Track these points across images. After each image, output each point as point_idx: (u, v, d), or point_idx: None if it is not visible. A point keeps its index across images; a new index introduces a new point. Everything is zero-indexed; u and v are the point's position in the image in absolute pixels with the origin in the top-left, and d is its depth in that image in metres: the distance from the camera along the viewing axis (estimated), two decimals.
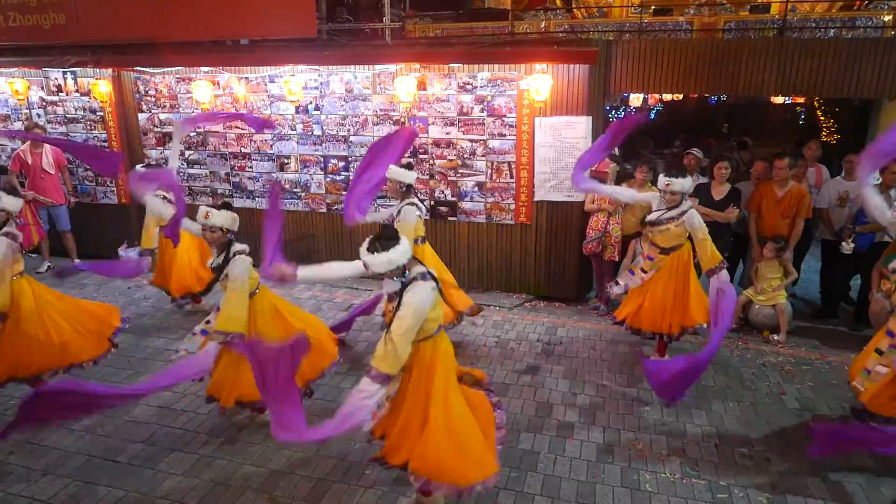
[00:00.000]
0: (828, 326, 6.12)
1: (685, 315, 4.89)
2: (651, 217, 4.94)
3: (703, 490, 3.68)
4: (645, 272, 5.04)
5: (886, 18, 6.54)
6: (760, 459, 3.97)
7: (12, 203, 4.38)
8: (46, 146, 7.43)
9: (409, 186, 5.04)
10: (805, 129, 11.22)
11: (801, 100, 10.72)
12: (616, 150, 6.70)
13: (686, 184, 4.69)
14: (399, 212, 4.96)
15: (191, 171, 7.72)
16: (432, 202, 6.94)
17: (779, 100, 10.10)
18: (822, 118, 10.59)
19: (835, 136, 10.13)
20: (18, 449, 4.08)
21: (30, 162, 7.28)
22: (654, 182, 6.55)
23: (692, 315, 4.86)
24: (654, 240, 5.03)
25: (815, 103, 10.56)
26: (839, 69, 5.63)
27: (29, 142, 7.33)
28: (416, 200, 5.07)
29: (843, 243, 5.67)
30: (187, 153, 7.62)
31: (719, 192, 5.87)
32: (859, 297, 6.01)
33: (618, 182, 6.03)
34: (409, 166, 5.06)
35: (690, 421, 4.41)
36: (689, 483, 3.74)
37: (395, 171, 4.84)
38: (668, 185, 4.67)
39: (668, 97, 10.68)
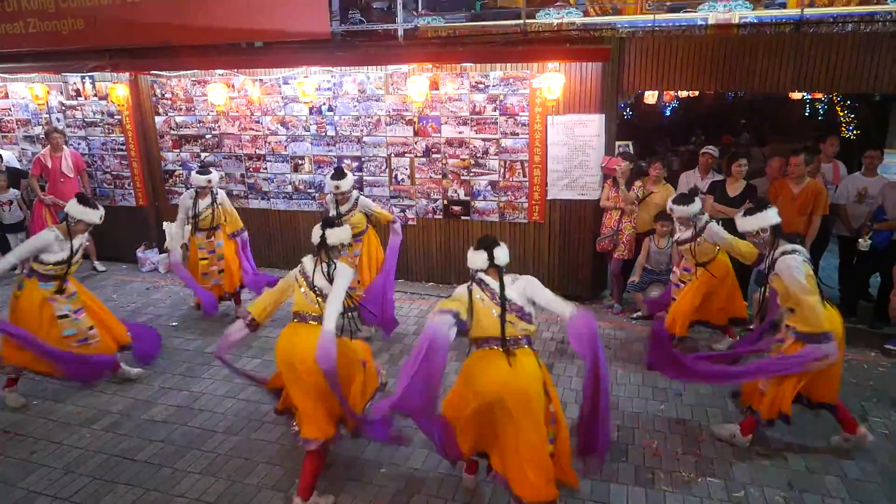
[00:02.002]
0: (846, 324, 6.02)
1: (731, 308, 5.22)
2: (676, 237, 5.19)
3: (718, 489, 3.66)
4: (683, 283, 5.20)
5: None
6: (777, 458, 3.94)
7: (90, 214, 4.54)
8: (66, 150, 7.55)
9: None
10: (825, 125, 11.06)
11: (820, 95, 10.55)
12: (630, 148, 6.67)
13: (691, 209, 4.82)
14: (357, 200, 5.54)
15: None
16: (445, 201, 6.95)
17: (797, 95, 9.96)
18: (841, 114, 10.44)
19: (855, 132, 9.99)
20: (40, 448, 4.17)
21: (50, 166, 7.40)
22: (669, 179, 6.54)
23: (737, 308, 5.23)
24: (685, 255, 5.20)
25: (835, 99, 10.41)
26: (857, 64, 5.55)
27: (49, 146, 7.45)
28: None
29: (859, 240, 5.60)
30: (203, 155, 7.70)
31: (735, 188, 5.82)
32: (879, 295, 5.91)
33: (631, 179, 6.00)
34: (341, 171, 5.38)
35: (706, 420, 4.38)
36: (705, 482, 3.72)
37: (348, 181, 5.35)
38: (672, 212, 4.92)
39: (683, 94, 10.56)
